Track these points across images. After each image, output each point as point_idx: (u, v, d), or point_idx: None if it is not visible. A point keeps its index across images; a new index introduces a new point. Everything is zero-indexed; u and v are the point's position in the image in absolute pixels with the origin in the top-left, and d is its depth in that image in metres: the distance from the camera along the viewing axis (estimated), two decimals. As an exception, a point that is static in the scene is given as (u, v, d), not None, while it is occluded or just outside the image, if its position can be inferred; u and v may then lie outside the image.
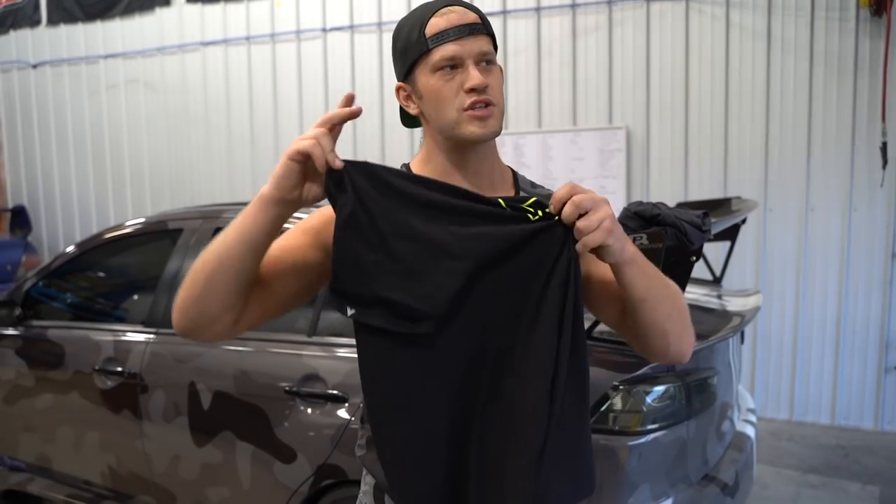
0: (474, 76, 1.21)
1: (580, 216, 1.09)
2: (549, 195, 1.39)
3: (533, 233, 1.15)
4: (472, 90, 1.22)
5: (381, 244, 1.13)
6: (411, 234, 1.14)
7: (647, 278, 1.18)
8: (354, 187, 1.12)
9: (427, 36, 1.23)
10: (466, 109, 1.23)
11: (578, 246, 1.10)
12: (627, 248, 1.13)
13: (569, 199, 1.10)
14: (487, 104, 1.23)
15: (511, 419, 1.16)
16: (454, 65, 1.23)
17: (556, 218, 1.13)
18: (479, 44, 1.23)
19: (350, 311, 1.14)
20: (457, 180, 1.31)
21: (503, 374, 1.17)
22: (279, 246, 1.24)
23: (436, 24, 1.22)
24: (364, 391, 1.22)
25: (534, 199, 1.16)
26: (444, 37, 1.22)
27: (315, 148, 1.09)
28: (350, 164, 1.12)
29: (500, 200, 1.16)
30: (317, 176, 1.13)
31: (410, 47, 1.25)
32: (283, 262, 1.24)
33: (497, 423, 1.17)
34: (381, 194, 1.13)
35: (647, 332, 1.22)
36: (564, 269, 1.14)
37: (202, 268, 1.17)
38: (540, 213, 1.14)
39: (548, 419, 1.13)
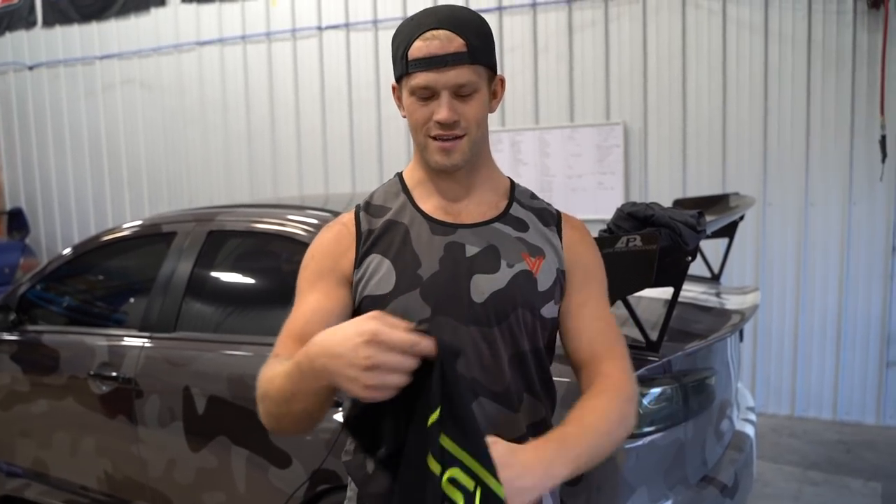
0: (442, 111, 1.22)
1: None
2: (548, 210, 1.39)
3: None
4: (438, 123, 1.23)
5: None
6: None
7: (588, 458, 1.18)
8: None
9: (409, 59, 1.23)
10: (433, 138, 1.25)
11: None
12: (559, 477, 1.12)
13: None
14: (455, 137, 1.25)
15: None
16: (429, 92, 1.23)
17: None
18: (456, 74, 1.21)
19: None
20: (444, 188, 1.34)
21: None
22: (311, 310, 1.27)
23: (417, 48, 1.22)
24: None
25: None
26: (420, 64, 1.21)
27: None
28: None
29: None
30: None
31: (396, 62, 1.27)
32: (326, 324, 1.23)
33: None
34: None
35: None
36: None
37: (276, 409, 1.16)
38: None
39: None
